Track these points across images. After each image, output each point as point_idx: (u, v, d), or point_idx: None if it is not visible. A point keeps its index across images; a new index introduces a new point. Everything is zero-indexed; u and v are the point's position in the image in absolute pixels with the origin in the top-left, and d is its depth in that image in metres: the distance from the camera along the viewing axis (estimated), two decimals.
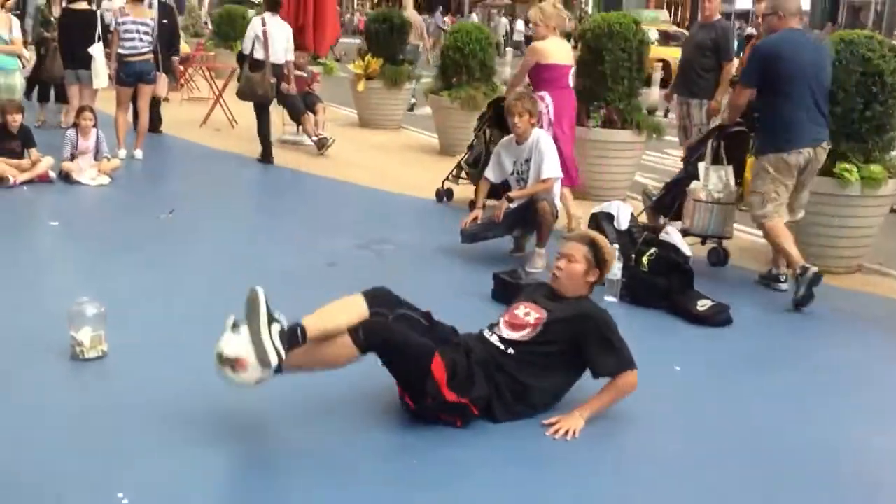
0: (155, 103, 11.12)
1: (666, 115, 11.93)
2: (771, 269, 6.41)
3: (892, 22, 36.41)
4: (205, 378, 3.75)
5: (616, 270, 5.69)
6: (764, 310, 5.98)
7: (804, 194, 6.27)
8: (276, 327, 3.61)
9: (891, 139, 6.76)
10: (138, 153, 9.85)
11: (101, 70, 9.71)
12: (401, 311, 4.01)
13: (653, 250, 5.93)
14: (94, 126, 8.83)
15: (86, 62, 9.70)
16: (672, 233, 6.22)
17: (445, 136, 11.52)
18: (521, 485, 3.50)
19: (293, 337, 3.66)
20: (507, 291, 5.37)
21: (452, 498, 3.41)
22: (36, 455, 3.51)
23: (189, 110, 13.74)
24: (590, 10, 49.90)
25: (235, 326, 3.63)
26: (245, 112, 10.71)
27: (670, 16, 43.42)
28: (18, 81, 9.49)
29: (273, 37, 10.10)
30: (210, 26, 21.98)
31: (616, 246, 5.56)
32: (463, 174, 8.60)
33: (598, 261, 4.25)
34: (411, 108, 14.68)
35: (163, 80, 10.54)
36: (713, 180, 6.59)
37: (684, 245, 6.11)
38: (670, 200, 6.87)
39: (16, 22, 9.64)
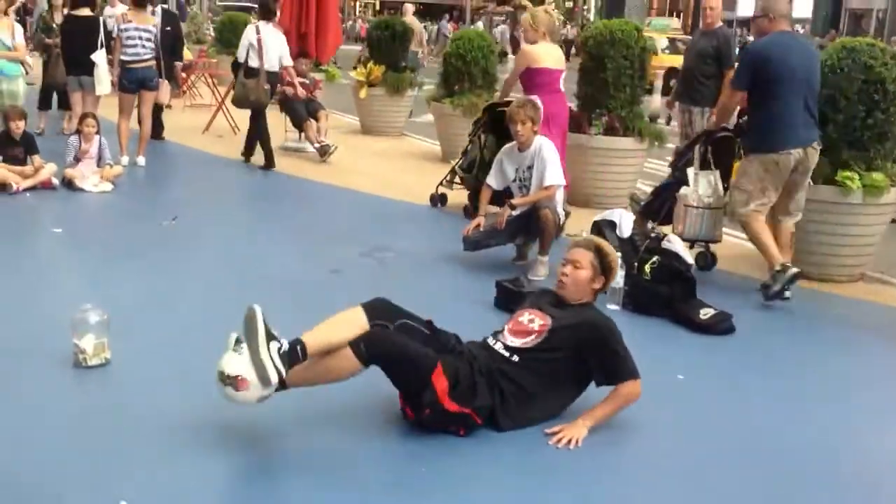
0: (157, 110, 11.14)
1: (668, 123, 11.93)
2: (796, 269, 6.39)
3: (893, 29, 36.41)
4: (207, 386, 3.74)
5: (618, 278, 5.68)
6: (766, 318, 5.97)
7: (799, 196, 6.29)
8: (275, 345, 3.62)
9: (893, 147, 6.76)
10: (141, 160, 9.86)
11: (103, 76, 9.73)
12: (401, 321, 4.00)
13: (655, 258, 5.93)
14: (97, 133, 8.84)
15: (89, 69, 9.72)
16: (674, 241, 6.22)
17: (447, 143, 11.52)
18: (524, 493, 3.50)
19: (293, 354, 3.67)
20: (509, 299, 5.37)
21: None
22: (38, 461, 3.52)
23: (191, 117, 13.76)
24: (591, 17, 50.00)
25: (238, 343, 3.64)
26: (247, 119, 10.73)
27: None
28: (21, 87, 9.50)
29: (267, 45, 10.25)
30: (212, 33, 22.02)
31: (618, 254, 5.56)
32: (457, 179, 8.63)
33: (604, 267, 4.25)
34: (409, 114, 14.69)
35: (165, 86, 10.56)
36: (703, 185, 6.63)
37: (686, 253, 6.12)
38: (658, 205, 6.93)
39: (18, 28, 9.66)
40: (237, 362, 3.58)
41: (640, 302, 5.78)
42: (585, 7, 55.29)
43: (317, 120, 11.19)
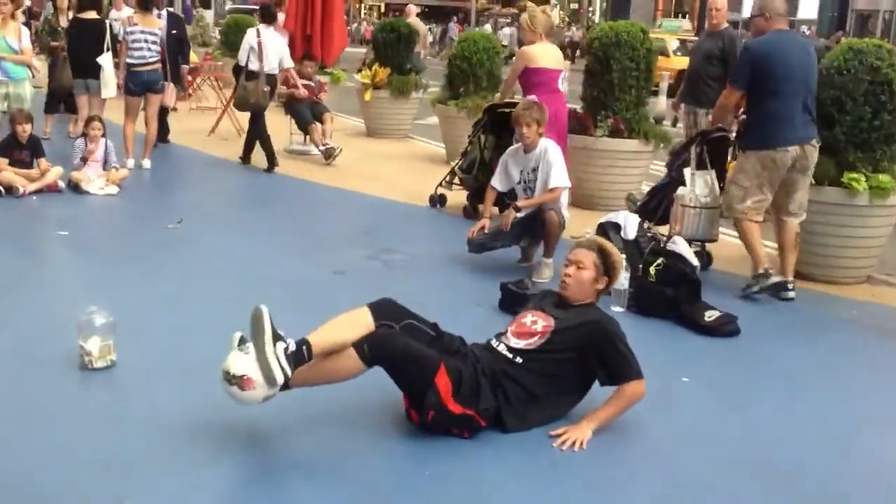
0: (163, 113, 11.16)
1: (675, 125, 11.93)
2: (778, 278, 6.39)
3: None
4: (212, 388, 3.76)
5: (623, 280, 5.67)
6: (771, 320, 5.96)
7: (800, 195, 6.29)
8: (281, 345, 3.63)
9: None
10: (146, 163, 9.88)
11: (109, 80, 9.75)
12: (407, 321, 4.00)
13: (660, 260, 5.93)
14: (103, 136, 8.86)
15: (95, 72, 9.73)
16: (679, 243, 6.21)
17: (452, 145, 11.51)
18: (528, 496, 3.50)
19: (299, 354, 3.68)
20: (514, 301, 5.37)
21: None
22: (43, 462, 3.53)
23: (197, 120, 13.77)
24: (597, 18, 49.98)
25: (242, 343, 3.65)
26: None
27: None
28: (28, 91, 9.52)
29: (267, 47, 10.42)
30: (218, 36, 22.06)
31: (623, 256, 5.56)
32: (456, 180, 8.66)
33: (607, 268, 4.25)
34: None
35: (171, 89, 10.58)
36: (699, 185, 6.67)
37: (691, 255, 6.11)
38: (655, 205, 6.97)
39: (25, 31, 9.67)
40: (243, 362, 3.58)
41: (645, 304, 5.78)
42: (590, 9, 55.27)
43: (322, 122, 11.20)
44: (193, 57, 14.81)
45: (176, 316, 5.30)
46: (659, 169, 10.39)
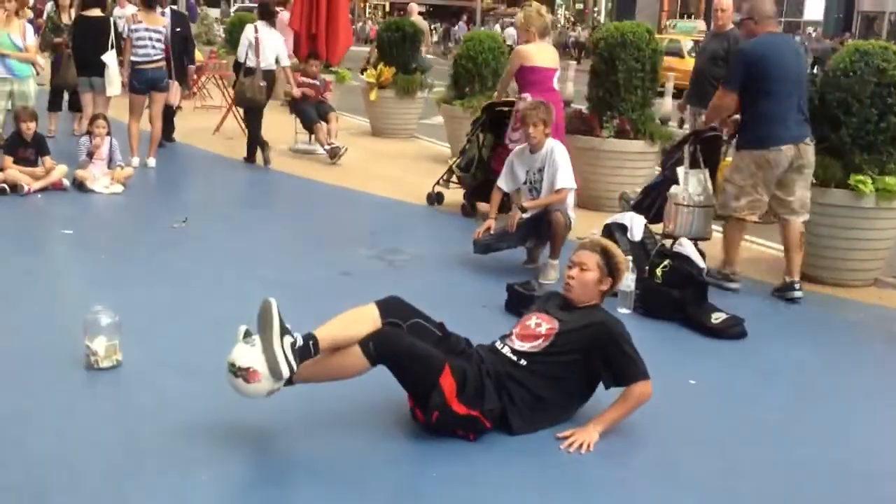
0: (170, 112, 11.16)
1: (681, 126, 11.90)
2: (784, 279, 6.38)
3: None
4: (218, 388, 3.75)
5: (629, 282, 5.68)
6: (778, 322, 5.95)
7: (801, 194, 6.31)
8: (288, 339, 3.61)
9: None
10: (151, 161, 9.88)
11: (114, 77, 9.74)
12: (414, 321, 3.99)
13: (666, 262, 5.92)
14: (108, 134, 8.86)
15: (99, 69, 9.73)
16: (686, 244, 6.20)
17: (458, 145, 11.45)
18: (535, 499, 3.49)
19: (305, 349, 3.66)
20: (520, 302, 5.35)
21: None
22: (48, 462, 3.52)
23: (202, 118, 13.77)
24: (602, 19, 49.96)
25: (248, 336, 3.64)
26: None
27: None
28: (32, 88, 9.52)
29: (264, 44, 10.53)
30: (222, 34, 22.06)
31: (629, 257, 5.55)
32: (454, 178, 8.70)
33: (611, 269, 4.24)
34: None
35: (175, 87, 10.58)
36: (693, 184, 6.68)
37: (698, 257, 6.10)
38: (648, 204, 7.00)
39: (30, 29, 9.67)
40: (249, 354, 3.57)
41: (651, 306, 5.76)
42: (596, 9, 55.25)
43: (327, 122, 11.20)
44: (198, 55, 14.82)
45: (181, 316, 5.29)
46: None
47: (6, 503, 3.24)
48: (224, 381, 3.64)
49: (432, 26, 46.37)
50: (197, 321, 5.17)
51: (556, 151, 6.41)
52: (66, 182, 8.53)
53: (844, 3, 42.60)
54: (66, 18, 11.65)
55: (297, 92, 11.09)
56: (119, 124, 9.80)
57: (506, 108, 7.94)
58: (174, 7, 12.28)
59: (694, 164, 6.77)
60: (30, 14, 13.68)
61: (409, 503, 3.47)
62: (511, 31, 40.88)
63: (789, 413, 4.52)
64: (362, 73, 14.37)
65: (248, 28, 10.79)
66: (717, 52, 8.79)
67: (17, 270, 6.07)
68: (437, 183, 8.82)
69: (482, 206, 8.20)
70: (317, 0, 12.81)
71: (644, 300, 5.79)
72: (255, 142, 10.59)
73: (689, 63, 21.23)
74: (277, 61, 10.69)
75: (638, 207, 7.00)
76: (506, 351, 4.06)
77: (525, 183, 6.62)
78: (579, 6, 58.81)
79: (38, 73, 9.80)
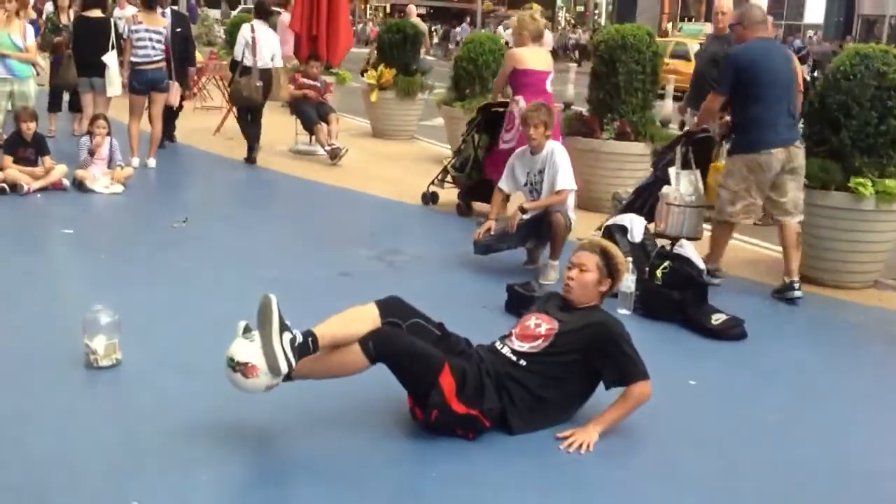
0: (171, 113, 11.17)
1: (682, 128, 11.88)
2: (784, 280, 6.39)
3: None
4: (217, 387, 3.76)
5: (629, 283, 5.68)
6: (778, 324, 5.96)
7: (793, 195, 6.34)
8: (287, 336, 3.61)
9: None
10: (151, 162, 9.88)
11: (114, 78, 9.73)
12: (413, 320, 3.99)
13: (667, 263, 5.92)
14: (108, 134, 8.86)
15: (100, 70, 9.72)
16: (686, 246, 6.21)
17: (458, 146, 11.51)
18: (534, 499, 3.49)
19: (305, 345, 3.67)
20: (520, 303, 5.35)
21: None
22: (48, 461, 3.52)
23: (202, 119, 13.77)
24: (602, 21, 49.98)
25: (247, 331, 3.65)
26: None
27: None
28: (32, 89, 9.52)
29: (260, 43, 10.61)
30: (223, 35, 22.06)
31: (630, 259, 5.56)
32: (449, 178, 8.74)
33: (611, 270, 4.24)
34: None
35: (175, 88, 10.59)
36: (684, 184, 6.77)
37: (698, 258, 6.10)
38: (640, 204, 7.08)
39: (30, 29, 9.67)
40: (248, 349, 3.57)
41: (652, 307, 5.77)
42: (596, 11, 55.28)
43: (327, 123, 11.20)
44: (199, 56, 14.83)
45: (181, 315, 5.29)
46: None
47: (6, 503, 3.23)
48: (224, 380, 3.64)
49: (433, 28, 46.45)
50: (197, 321, 5.17)
51: (557, 153, 6.42)
52: (66, 182, 8.53)
53: (845, 7, 42.61)
54: (66, 19, 11.66)
55: (291, 90, 11.20)
56: (119, 125, 9.80)
57: (501, 109, 7.97)
58: (175, 8, 12.27)
59: (686, 165, 6.85)
60: (33, 15, 13.68)
61: (408, 503, 3.47)
62: (510, 32, 40.97)
63: (789, 413, 4.52)
64: (362, 75, 14.38)
65: (245, 27, 10.85)
66: (717, 55, 8.75)
67: (17, 270, 6.07)
68: (432, 183, 8.86)
69: (478, 205, 8.28)
70: (317, 2, 12.80)
71: (644, 301, 5.79)
72: (255, 142, 10.59)
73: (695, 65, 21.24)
74: (273, 61, 10.77)
75: (630, 207, 7.07)
76: (505, 351, 4.06)
77: (526, 185, 6.62)
78: (580, 8, 58.83)
79: (38, 74, 9.81)
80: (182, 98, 11.09)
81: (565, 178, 6.37)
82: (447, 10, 59.13)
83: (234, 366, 3.57)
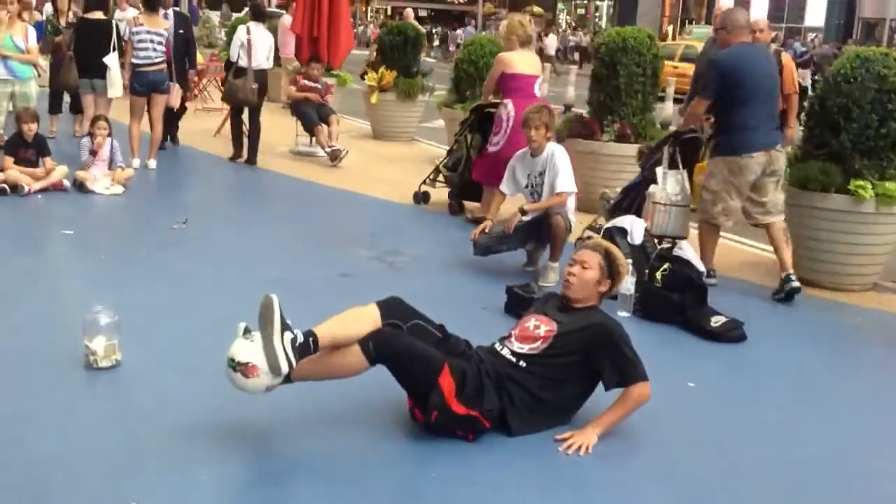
0: (175, 115, 11.18)
1: None
2: (780, 275, 6.40)
3: None
4: (218, 387, 3.76)
5: (629, 285, 5.68)
6: (777, 326, 5.96)
7: (773, 196, 6.46)
8: (288, 335, 3.62)
9: None
10: (152, 163, 9.89)
11: (115, 79, 9.74)
12: (414, 322, 4.00)
13: (666, 265, 5.93)
14: (109, 135, 8.87)
15: (101, 71, 9.73)
16: (685, 248, 6.22)
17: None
18: (533, 500, 3.49)
19: (305, 346, 3.67)
20: (520, 305, 5.35)
21: None
22: (48, 461, 3.52)
23: (202, 120, 13.77)
24: (603, 24, 50.01)
25: (247, 332, 3.65)
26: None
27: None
28: (33, 90, 9.53)
29: (256, 45, 10.72)
30: (223, 37, 22.09)
31: (629, 260, 5.56)
32: (440, 178, 8.78)
33: (612, 271, 4.24)
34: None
35: (176, 90, 10.60)
36: (671, 184, 6.86)
37: (697, 260, 6.11)
38: (628, 204, 7.14)
39: (32, 31, 9.68)
40: (249, 349, 3.58)
41: (651, 309, 5.77)
42: (597, 14, 55.31)
43: (328, 124, 11.21)
44: (200, 58, 14.84)
45: (181, 316, 5.30)
46: None
47: (6, 503, 3.24)
48: (224, 380, 3.64)
49: (433, 31, 46.50)
50: (197, 321, 5.17)
51: (557, 155, 6.42)
52: (67, 183, 8.53)
53: (845, 10, 42.63)
54: (65, 21, 11.69)
55: (292, 91, 11.27)
56: (120, 126, 9.80)
57: (493, 110, 7.98)
58: (177, 9, 12.30)
59: (673, 165, 6.95)
60: (38, 17, 13.71)
61: (408, 503, 3.47)
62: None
63: (789, 414, 4.52)
64: (363, 77, 14.38)
65: (241, 29, 10.95)
66: None
67: (17, 270, 6.07)
68: (424, 182, 8.91)
69: (469, 204, 8.35)
70: (318, 4, 12.81)
71: (644, 303, 5.80)
72: (256, 142, 10.61)
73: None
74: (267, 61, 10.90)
75: (618, 207, 7.14)
76: (505, 352, 4.07)
77: (526, 187, 6.63)
78: (581, 11, 58.88)
79: (39, 75, 9.82)
80: (183, 100, 11.11)
81: (565, 180, 6.37)
82: (448, 12, 59.20)
83: (235, 366, 3.58)
